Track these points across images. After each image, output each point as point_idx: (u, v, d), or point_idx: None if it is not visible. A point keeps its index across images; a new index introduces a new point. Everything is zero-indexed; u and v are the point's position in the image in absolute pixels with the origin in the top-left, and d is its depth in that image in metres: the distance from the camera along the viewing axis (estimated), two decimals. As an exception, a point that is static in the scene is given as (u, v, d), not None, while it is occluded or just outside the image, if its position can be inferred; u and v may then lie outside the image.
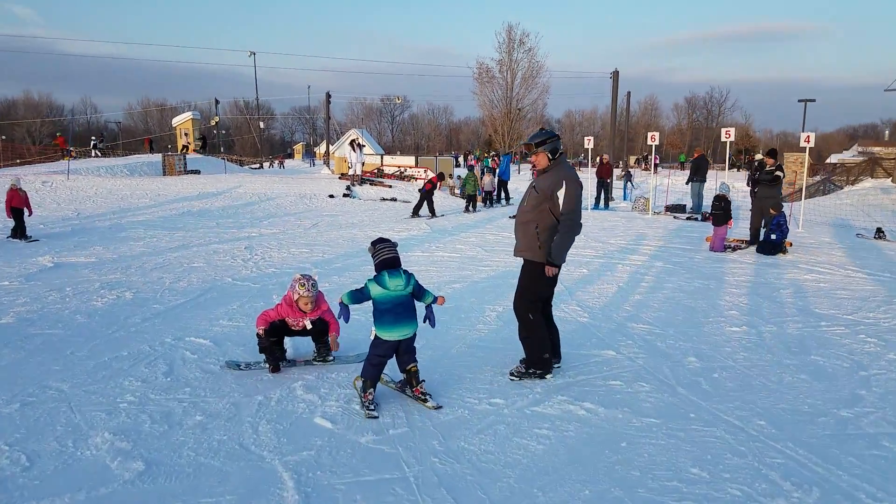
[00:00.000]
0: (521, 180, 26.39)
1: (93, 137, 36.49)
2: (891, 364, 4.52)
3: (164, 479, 2.82)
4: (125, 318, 5.54)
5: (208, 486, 2.75)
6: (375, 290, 3.59)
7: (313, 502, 2.64)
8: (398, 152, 50.81)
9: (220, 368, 4.26)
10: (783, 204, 10.07)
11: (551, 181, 4.01)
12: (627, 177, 22.23)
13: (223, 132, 47.76)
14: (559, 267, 4.09)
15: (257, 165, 39.79)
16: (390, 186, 19.79)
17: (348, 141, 24.03)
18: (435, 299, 3.83)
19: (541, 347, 4.11)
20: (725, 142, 14.16)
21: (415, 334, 3.70)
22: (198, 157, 28.32)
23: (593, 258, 8.93)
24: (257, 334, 4.15)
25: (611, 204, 17.89)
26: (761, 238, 10.03)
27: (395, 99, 54.59)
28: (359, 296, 3.63)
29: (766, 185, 10.18)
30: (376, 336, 3.61)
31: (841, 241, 11.19)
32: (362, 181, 19.99)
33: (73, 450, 3.07)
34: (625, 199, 20.30)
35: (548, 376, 4.11)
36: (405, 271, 3.69)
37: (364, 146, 23.81)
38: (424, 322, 3.80)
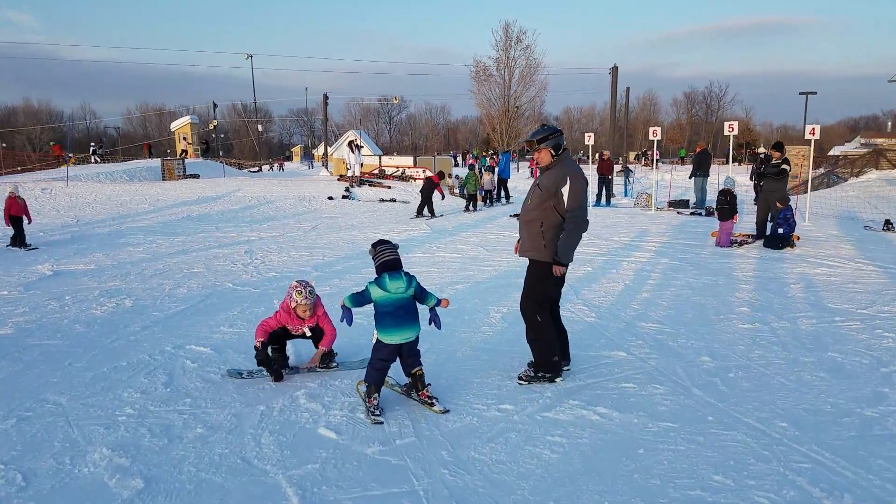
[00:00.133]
0: (520, 178, 26.26)
1: (92, 143, 36.35)
2: (911, 360, 4.40)
3: (163, 496, 2.70)
4: (124, 326, 5.44)
5: (210, 504, 2.64)
6: (376, 292, 3.51)
7: (319, 519, 2.53)
8: (395, 153, 50.75)
9: (221, 377, 4.15)
10: (790, 197, 9.92)
11: (555, 178, 3.89)
12: (626, 172, 22.09)
13: (221, 136, 47.68)
14: (566, 266, 3.97)
15: (256, 168, 39.70)
16: (389, 187, 19.67)
17: (346, 142, 23.91)
18: (438, 302, 3.73)
19: (549, 350, 3.99)
20: (726, 136, 14.03)
21: (417, 337, 3.61)
22: (197, 162, 28.23)
23: (597, 256, 8.80)
24: (255, 346, 4.03)
25: (612, 200, 17.76)
26: (768, 232, 9.90)
27: (393, 99, 54.50)
28: (360, 298, 3.56)
29: (772, 179, 10.05)
30: (378, 339, 3.52)
31: (849, 233, 11.05)
32: (361, 182, 19.87)
33: (70, 467, 2.95)
34: (626, 196, 20.16)
35: (557, 380, 3.99)
36: (406, 273, 3.59)
37: (362, 147, 23.69)
38: (430, 325, 3.69)
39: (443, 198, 14.84)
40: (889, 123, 48.37)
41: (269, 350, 4.21)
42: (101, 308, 6.07)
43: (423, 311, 3.68)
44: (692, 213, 14.52)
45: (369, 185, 19.91)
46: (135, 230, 12.04)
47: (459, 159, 45.78)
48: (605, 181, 17.33)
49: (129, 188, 18.56)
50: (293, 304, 4.03)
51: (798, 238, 9.64)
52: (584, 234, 3.98)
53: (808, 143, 13.24)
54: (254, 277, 7.56)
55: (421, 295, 3.65)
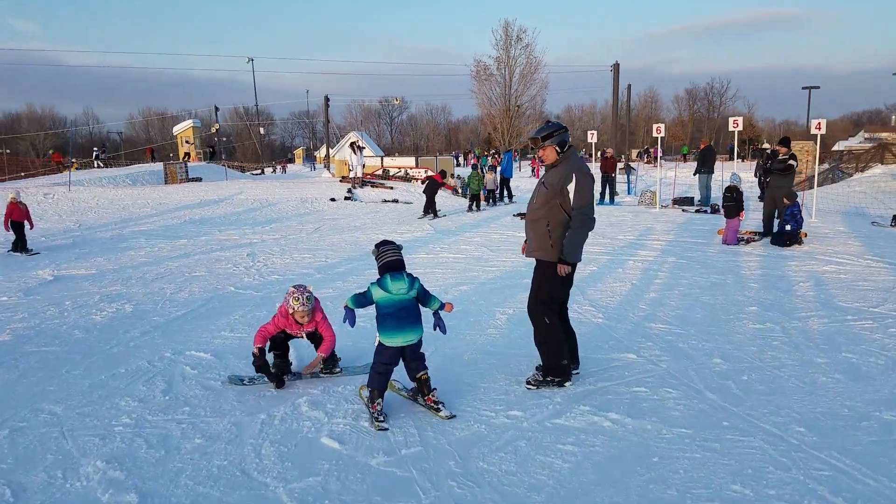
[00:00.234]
0: (521, 177, 26.14)
1: (95, 149, 36.43)
2: (929, 360, 4.27)
3: (160, 511, 2.61)
4: (124, 332, 5.36)
5: (208, 519, 2.54)
6: (378, 293, 3.43)
7: (322, 535, 2.43)
8: (396, 154, 50.64)
9: (222, 384, 4.06)
10: (797, 193, 9.78)
11: (561, 175, 3.79)
12: (628, 169, 21.97)
13: (224, 139, 47.74)
14: (574, 266, 3.87)
15: (258, 171, 39.70)
16: (392, 188, 19.58)
17: (348, 143, 23.84)
18: (442, 305, 3.63)
19: (558, 353, 3.88)
20: (729, 132, 13.88)
21: (420, 340, 3.52)
22: (199, 165, 28.23)
23: (602, 254, 8.69)
24: (253, 353, 3.94)
25: (616, 198, 17.63)
26: (775, 229, 9.76)
27: (394, 100, 54.38)
28: (362, 299, 3.51)
29: (779, 175, 9.91)
30: (380, 342, 3.45)
31: (856, 229, 10.89)
32: (363, 183, 19.78)
33: (62, 481, 2.86)
34: (629, 193, 20.03)
35: (567, 384, 3.88)
36: (409, 274, 3.50)
37: (364, 148, 23.61)
38: (435, 330, 3.59)
39: (452, 187, 14.69)
40: (893, 117, 48.06)
41: (273, 356, 4.13)
42: (100, 313, 5.99)
43: (427, 314, 3.58)
44: (697, 211, 14.38)
45: (371, 185, 19.82)
46: (137, 234, 11.98)
47: (461, 159, 45.67)
48: (608, 179, 17.20)
49: (132, 192, 18.52)
50: (290, 311, 3.93)
51: (805, 235, 9.50)
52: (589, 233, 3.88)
53: (811, 138, 13.10)
54: (256, 280, 7.48)
55: (424, 297, 3.57)
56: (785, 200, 9.45)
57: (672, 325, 5.27)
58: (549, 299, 3.92)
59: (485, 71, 41.50)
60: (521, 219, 13.12)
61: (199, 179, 23.29)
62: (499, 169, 18.41)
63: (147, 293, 6.84)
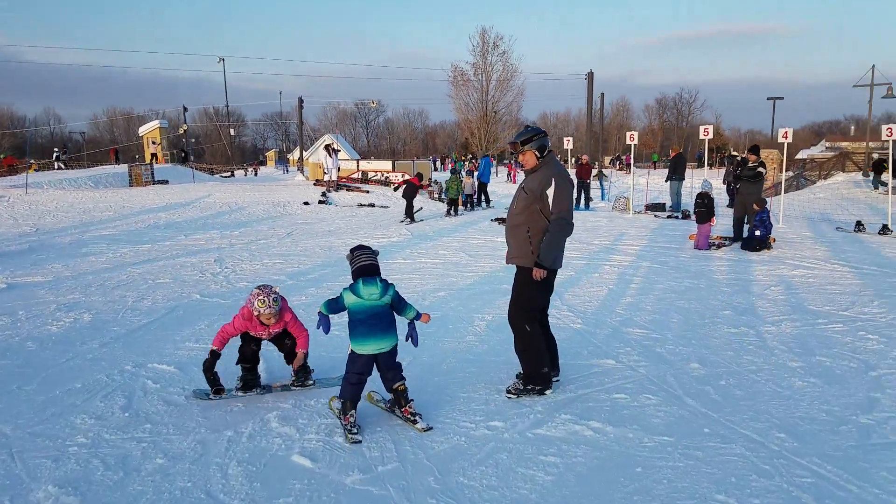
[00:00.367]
0: (497, 182, 26.22)
1: (55, 149, 35.02)
2: (898, 363, 4.36)
3: (116, 540, 2.41)
4: (81, 343, 5.05)
5: (169, 548, 2.35)
6: (349, 298, 3.33)
7: (293, 561, 2.27)
8: (372, 157, 50.28)
9: (186, 399, 3.84)
10: (766, 199, 10.02)
11: (540, 180, 3.74)
12: (601, 176, 22.29)
13: (192, 140, 46.60)
14: (555, 272, 3.80)
15: (229, 174, 38.83)
16: (368, 192, 19.36)
17: (323, 146, 23.51)
18: (418, 315, 3.51)
19: (539, 361, 3.80)
20: (699, 140, 14.18)
21: (394, 349, 3.40)
22: (166, 167, 27.42)
23: (579, 259, 8.71)
24: (210, 351, 3.72)
25: (591, 204, 17.81)
26: (745, 234, 9.96)
27: (370, 103, 53.95)
28: (334, 305, 3.40)
29: (749, 182, 10.14)
30: (351, 350, 3.33)
31: (822, 235, 11.23)
32: (338, 187, 19.50)
33: (7, 510, 2.63)
34: (602, 199, 20.28)
35: (547, 392, 3.81)
36: (383, 280, 3.39)
37: (339, 151, 23.30)
38: (407, 340, 3.48)
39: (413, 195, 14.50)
40: (852, 127, 50.15)
41: (241, 368, 3.93)
42: (56, 324, 5.66)
43: (401, 322, 3.46)
44: (669, 217, 14.62)
45: (347, 189, 19.56)
46: (98, 239, 11.47)
47: (438, 164, 45.61)
48: (583, 185, 17.37)
49: (94, 195, 17.81)
50: (256, 313, 3.70)
51: (774, 240, 9.72)
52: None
53: (776, 147, 13.46)
54: (223, 288, 7.21)
55: (399, 305, 3.45)
56: (755, 206, 9.66)
57: (649, 330, 5.27)
58: (529, 306, 3.85)
59: (462, 77, 41.66)
60: (500, 224, 13.10)
61: (165, 182, 22.61)
62: (476, 174, 18.39)
63: (107, 301, 6.51)
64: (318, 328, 3.46)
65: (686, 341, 4.95)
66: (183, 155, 34.79)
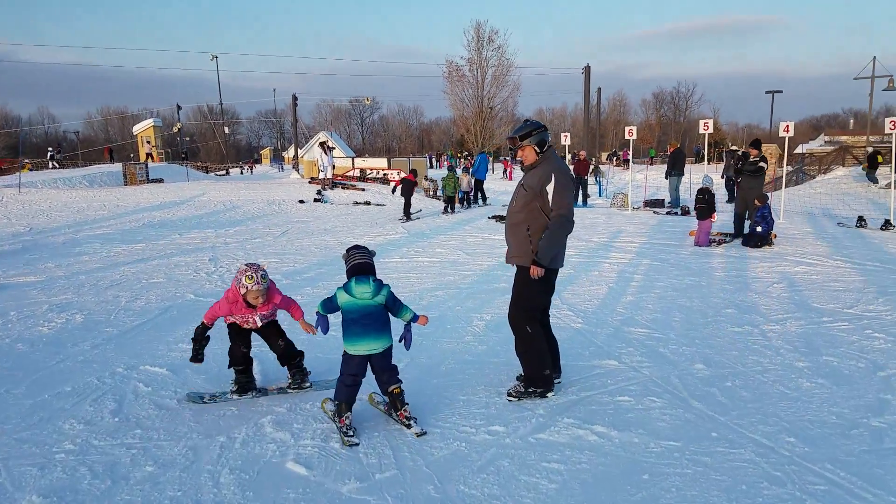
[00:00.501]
0: (493, 178, 26.09)
1: (49, 148, 34.71)
2: (906, 362, 4.27)
3: (101, 555, 2.30)
4: (73, 345, 4.94)
5: (157, 563, 2.25)
6: (342, 297, 3.25)
7: (287, 577, 2.17)
8: (367, 155, 50.02)
9: (178, 403, 3.73)
10: (767, 195, 9.93)
11: (540, 176, 3.62)
12: (597, 171, 22.18)
13: (187, 139, 46.34)
14: (555, 271, 3.70)
15: (223, 172, 38.58)
16: (363, 190, 19.21)
17: (318, 144, 23.33)
18: (415, 317, 3.40)
19: (540, 363, 3.70)
20: (699, 135, 14.09)
21: (388, 350, 3.30)
22: (161, 166, 27.23)
23: (577, 257, 8.61)
24: (202, 323, 3.63)
25: (588, 201, 17.72)
26: (746, 230, 9.88)
27: (365, 100, 53.64)
28: (329, 304, 3.33)
29: (750, 177, 10.04)
30: (344, 351, 3.25)
31: (823, 230, 11.15)
32: (334, 185, 19.35)
33: (-12, 523, 2.52)
34: (600, 196, 20.19)
35: (549, 394, 3.71)
36: (377, 280, 3.29)
37: (334, 148, 23.13)
38: (400, 342, 3.38)
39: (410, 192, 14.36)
40: (851, 121, 50.14)
41: (234, 372, 3.82)
42: (48, 325, 5.54)
43: (395, 323, 3.36)
44: (668, 213, 14.53)
45: (342, 187, 19.40)
46: (92, 238, 11.32)
47: (434, 161, 45.44)
48: (581, 181, 17.26)
49: (88, 194, 17.62)
50: (243, 291, 3.49)
51: (775, 236, 9.64)
52: None
53: (774, 141, 13.37)
54: (218, 287, 7.08)
55: (394, 306, 3.34)
56: (756, 202, 9.57)
57: (651, 330, 5.17)
58: (530, 306, 3.74)
59: (457, 72, 41.45)
60: (497, 221, 12.99)
61: (160, 181, 22.41)
62: (471, 170, 18.25)
63: (100, 302, 6.38)
64: (316, 327, 3.39)
65: (689, 341, 4.86)
66: (183, 155, 34.62)
